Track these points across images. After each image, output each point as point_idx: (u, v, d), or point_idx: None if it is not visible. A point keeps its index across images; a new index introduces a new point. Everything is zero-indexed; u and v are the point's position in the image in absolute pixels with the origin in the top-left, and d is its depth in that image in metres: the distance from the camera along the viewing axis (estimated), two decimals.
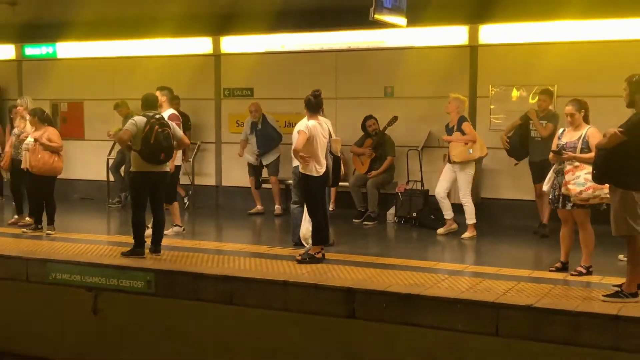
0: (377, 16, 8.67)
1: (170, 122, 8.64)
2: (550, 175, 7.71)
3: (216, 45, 12.96)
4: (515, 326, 6.43)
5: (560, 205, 7.58)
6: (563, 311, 6.29)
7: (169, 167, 8.82)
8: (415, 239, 10.17)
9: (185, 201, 12.60)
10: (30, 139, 9.83)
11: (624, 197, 6.43)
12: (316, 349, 7.37)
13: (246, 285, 7.50)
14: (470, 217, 9.86)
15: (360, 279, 7.46)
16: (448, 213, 10.00)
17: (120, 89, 13.27)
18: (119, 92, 13.12)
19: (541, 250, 9.32)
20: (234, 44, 12.87)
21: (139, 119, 8.36)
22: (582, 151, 7.43)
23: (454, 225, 10.01)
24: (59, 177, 10.11)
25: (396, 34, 11.30)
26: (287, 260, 8.29)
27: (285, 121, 12.14)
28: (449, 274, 7.70)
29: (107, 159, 13.19)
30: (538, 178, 9.71)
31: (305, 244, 8.64)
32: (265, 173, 12.14)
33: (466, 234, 9.83)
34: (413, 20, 9.72)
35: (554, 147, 7.69)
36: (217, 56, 13.06)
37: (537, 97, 10.17)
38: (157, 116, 8.47)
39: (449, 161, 9.89)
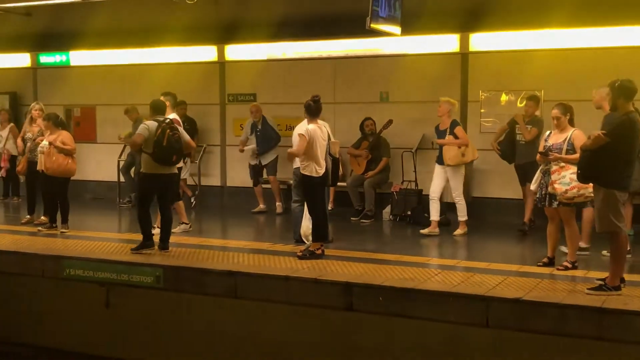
0: (373, 25, 8.68)
1: (177, 127, 8.65)
2: (538, 175, 7.73)
3: (221, 53, 12.96)
4: (505, 318, 6.45)
5: (547, 203, 7.60)
6: (550, 304, 6.31)
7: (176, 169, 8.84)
8: (410, 236, 10.16)
9: (192, 201, 12.61)
10: (45, 142, 9.84)
11: (607, 195, 6.45)
12: (316, 339, 7.39)
13: (250, 280, 7.51)
14: (462, 215, 9.85)
15: (357, 273, 7.47)
16: (435, 215, 9.82)
17: (130, 94, 13.26)
18: (129, 97, 13.11)
19: (529, 246, 9.32)
20: (237, 52, 12.87)
21: (151, 124, 8.38)
22: (567, 152, 7.46)
23: (437, 230, 9.79)
24: (72, 178, 10.11)
25: (391, 42, 11.31)
26: (288, 256, 8.30)
27: (286, 125, 12.14)
28: (441, 269, 7.71)
29: (118, 161, 13.18)
30: (523, 180, 9.72)
31: (306, 241, 8.64)
32: (264, 173, 12.15)
33: (458, 231, 9.83)
34: (407, 29, 9.73)
35: (540, 149, 7.72)
36: (221, 63, 13.06)
37: (524, 102, 10.18)
38: (167, 120, 8.49)
39: (442, 163, 9.80)
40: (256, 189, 12.07)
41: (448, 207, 10.29)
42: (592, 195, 6.85)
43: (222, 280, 7.62)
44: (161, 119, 8.46)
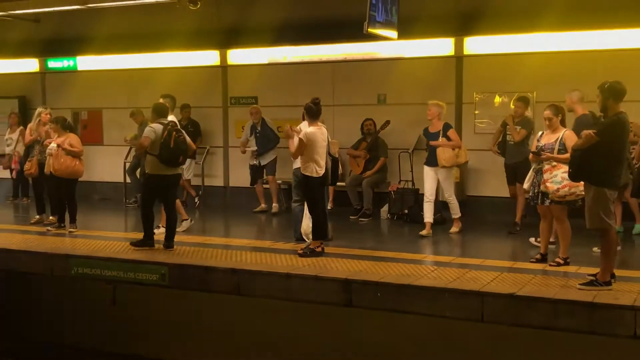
0: (370, 30, 8.66)
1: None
2: (530, 174, 7.73)
3: (223, 57, 12.95)
4: (499, 313, 6.44)
5: (539, 201, 7.60)
6: (543, 299, 6.30)
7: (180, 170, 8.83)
8: (407, 234, 10.15)
9: (196, 200, 12.60)
10: (53, 145, 9.83)
11: (597, 193, 6.44)
12: (316, 334, 7.38)
13: (252, 277, 7.50)
14: (456, 212, 9.82)
15: (356, 270, 7.46)
16: (429, 217, 9.73)
17: (135, 98, 13.24)
18: (134, 101, 13.09)
19: (522, 243, 9.30)
20: (239, 56, 12.87)
21: (157, 126, 8.38)
22: (559, 152, 7.45)
23: (431, 231, 9.71)
24: (80, 179, 10.10)
25: (388, 46, 11.29)
26: (289, 254, 8.28)
27: (287, 126, 12.09)
28: (437, 266, 7.70)
29: (124, 163, 13.17)
30: (511, 179, 9.68)
31: (306, 239, 8.63)
32: (264, 173, 12.12)
33: (453, 229, 9.81)
34: (404, 33, 9.71)
35: (533, 149, 7.71)
36: (224, 67, 13.05)
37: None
38: (172, 123, 8.49)
39: (434, 165, 9.73)
40: (257, 189, 12.05)
41: (443, 206, 10.26)
42: (583, 193, 6.84)
43: (225, 277, 7.61)
44: (165, 121, 8.45)
